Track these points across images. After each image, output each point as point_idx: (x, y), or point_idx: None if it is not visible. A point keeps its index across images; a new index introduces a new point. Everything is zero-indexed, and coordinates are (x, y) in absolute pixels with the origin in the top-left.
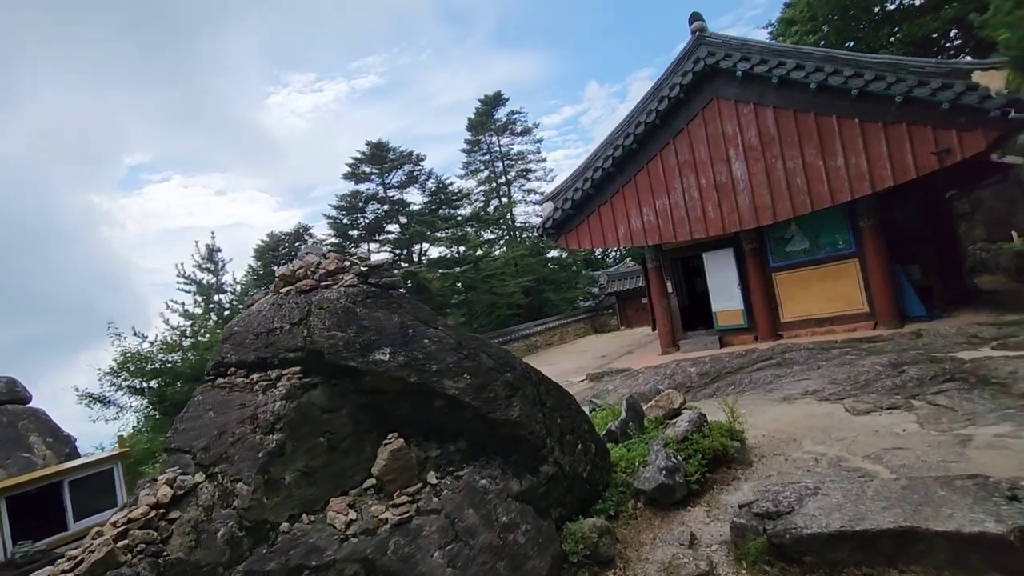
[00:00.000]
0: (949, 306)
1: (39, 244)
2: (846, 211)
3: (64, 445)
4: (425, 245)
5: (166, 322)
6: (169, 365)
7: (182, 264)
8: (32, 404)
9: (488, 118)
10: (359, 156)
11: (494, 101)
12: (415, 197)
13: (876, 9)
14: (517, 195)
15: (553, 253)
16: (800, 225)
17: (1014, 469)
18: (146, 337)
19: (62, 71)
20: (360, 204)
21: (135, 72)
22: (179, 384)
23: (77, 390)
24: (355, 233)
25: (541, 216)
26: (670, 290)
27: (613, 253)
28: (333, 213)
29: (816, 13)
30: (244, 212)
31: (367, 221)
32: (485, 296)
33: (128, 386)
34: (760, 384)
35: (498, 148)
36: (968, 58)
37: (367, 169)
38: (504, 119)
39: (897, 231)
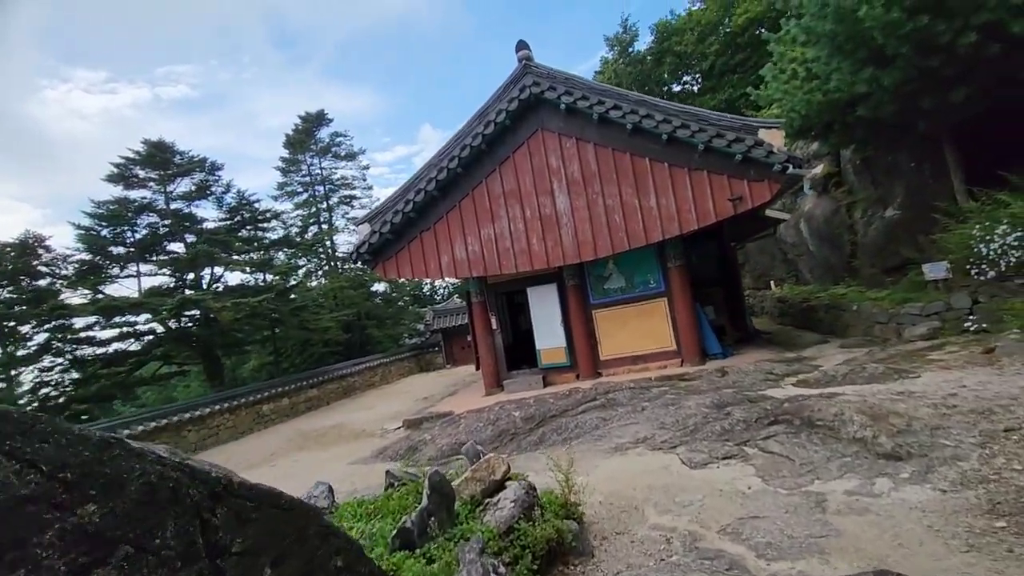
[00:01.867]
0: (737, 344)
1: None
2: (656, 251)
3: None
4: (219, 269)
5: None
6: None
7: None
8: None
9: (309, 137)
10: (132, 156)
11: (316, 120)
12: (210, 212)
13: (665, 88)
14: (339, 222)
15: (379, 287)
16: (617, 263)
17: (891, 544)
18: None
19: None
20: (129, 214)
21: None
22: None
23: None
24: (120, 251)
25: (356, 239)
26: (495, 327)
27: (442, 289)
28: (87, 223)
29: (621, 81)
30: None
31: (139, 236)
32: (296, 332)
33: None
34: (587, 429)
35: (319, 170)
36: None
37: (142, 173)
38: (327, 140)
39: (695, 273)
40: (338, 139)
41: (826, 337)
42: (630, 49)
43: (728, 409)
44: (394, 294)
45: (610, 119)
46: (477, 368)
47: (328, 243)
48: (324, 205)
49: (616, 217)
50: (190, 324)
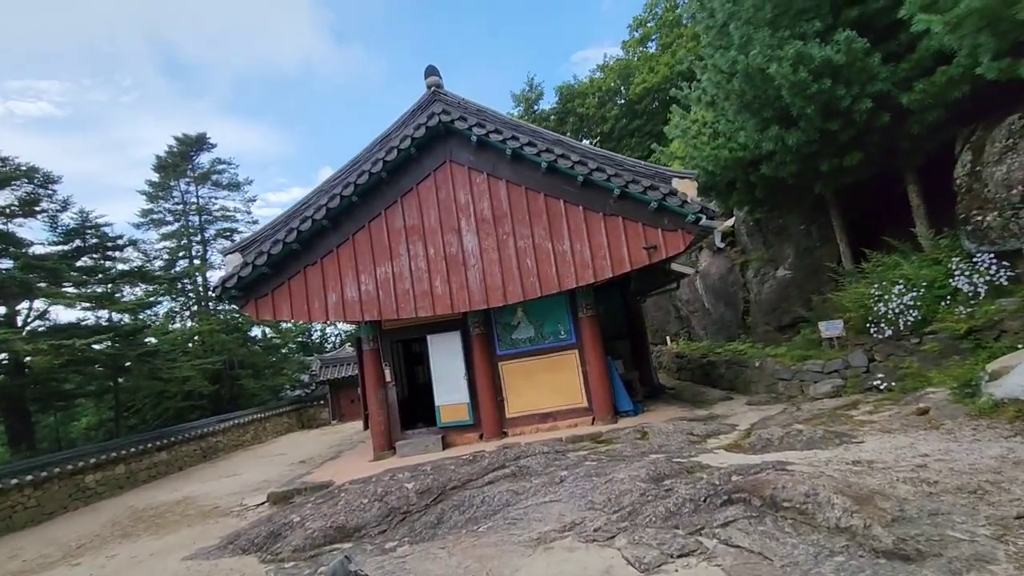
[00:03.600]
0: (645, 400)
1: None
2: (568, 300)
3: None
4: (40, 303)
5: None
6: None
7: None
8: None
9: (185, 161)
10: None
11: (196, 143)
12: (39, 234)
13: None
14: (215, 258)
15: (258, 331)
16: (527, 311)
17: None
18: None
19: None
20: None
21: None
22: None
23: None
24: None
25: (223, 272)
26: (388, 379)
27: (333, 336)
28: None
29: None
30: None
31: None
32: (147, 382)
33: None
34: (497, 507)
35: (195, 199)
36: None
37: None
38: (207, 167)
39: (603, 326)
40: (220, 166)
41: (729, 394)
42: (535, 107)
43: (667, 483)
44: (276, 340)
45: (524, 156)
46: (366, 427)
47: (199, 280)
48: (198, 237)
49: (528, 261)
50: None
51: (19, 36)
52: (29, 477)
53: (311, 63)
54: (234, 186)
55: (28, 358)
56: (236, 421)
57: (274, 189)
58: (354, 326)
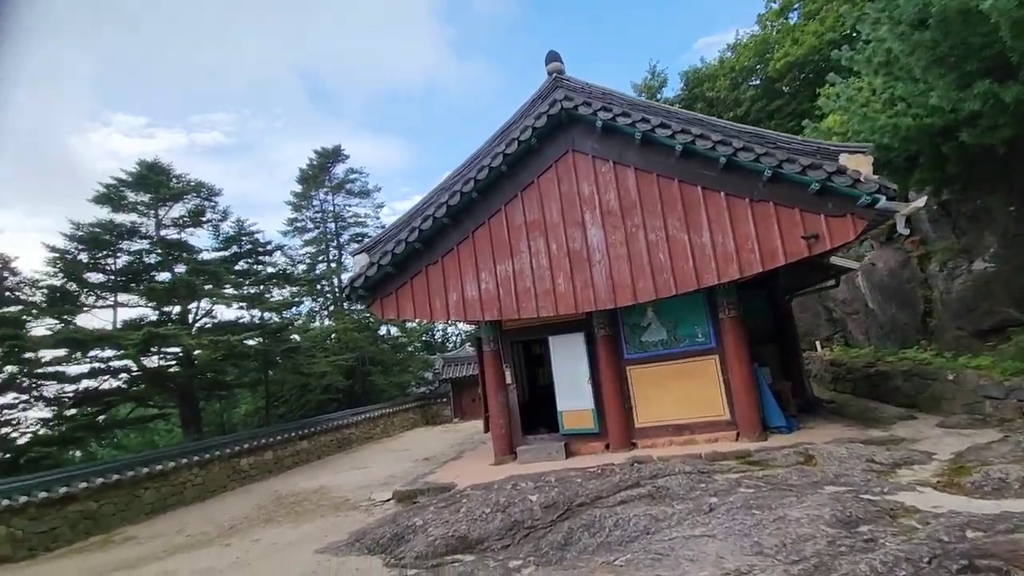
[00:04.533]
0: (799, 416)
1: None
2: (706, 299)
3: None
4: (206, 303)
5: None
6: None
7: None
8: None
9: (323, 172)
10: (123, 178)
11: (332, 155)
12: (205, 241)
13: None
14: (348, 261)
15: (386, 330)
16: (658, 311)
17: None
18: None
19: None
20: (111, 238)
21: None
22: None
23: None
24: (98, 278)
25: (352, 272)
26: (509, 381)
27: (454, 336)
28: (62, 244)
29: None
30: (24, 264)
31: (121, 263)
32: (291, 375)
33: None
34: (634, 535)
35: (332, 207)
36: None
37: (133, 196)
38: (342, 176)
39: (747, 328)
40: (353, 175)
41: (910, 412)
42: (658, 95)
43: (864, 531)
44: (402, 339)
45: (655, 139)
46: (487, 429)
47: (335, 281)
48: (334, 242)
49: (660, 255)
50: (171, 363)
51: (198, 79)
52: (196, 458)
53: (432, 78)
54: (364, 193)
55: (196, 352)
56: (367, 415)
57: (399, 198)
58: (474, 326)
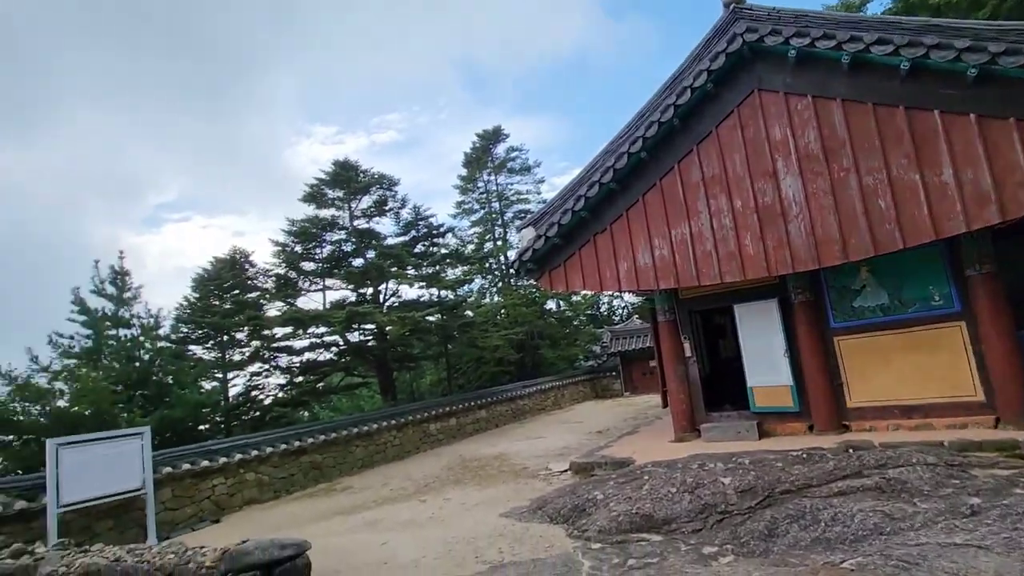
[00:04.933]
0: None
1: (59, 278)
2: (944, 253)
3: None
4: (393, 284)
5: (33, 360)
6: (19, 418)
7: (77, 288)
8: None
9: (486, 154)
10: (323, 178)
11: (493, 136)
12: (388, 228)
13: None
14: (513, 237)
15: (552, 304)
16: (875, 270)
17: None
18: (14, 379)
19: (98, 93)
20: (316, 231)
21: (172, 100)
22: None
23: None
24: (310, 266)
25: (518, 246)
26: (688, 354)
27: (620, 309)
28: (282, 239)
29: None
30: (259, 258)
31: (326, 252)
32: (467, 349)
33: None
34: (862, 533)
35: (495, 186)
36: None
37: (331, 193)
38: (503, 156)
39: (1008, 286)
40: (513, 153)
41: None
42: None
43: None
44: (568, 312)
45: (870, 61)
46: (665, 404)
47: (502, 259)
48: (499, 221)
49: (880, 202)
50: (369, 337)
51: (375, 83)
52: (393, 421)
53: (584, 46)
54: (525, 169)
55: (387, 327)
56: (538, 387)
57: (558, 173)
58: (642, 297)
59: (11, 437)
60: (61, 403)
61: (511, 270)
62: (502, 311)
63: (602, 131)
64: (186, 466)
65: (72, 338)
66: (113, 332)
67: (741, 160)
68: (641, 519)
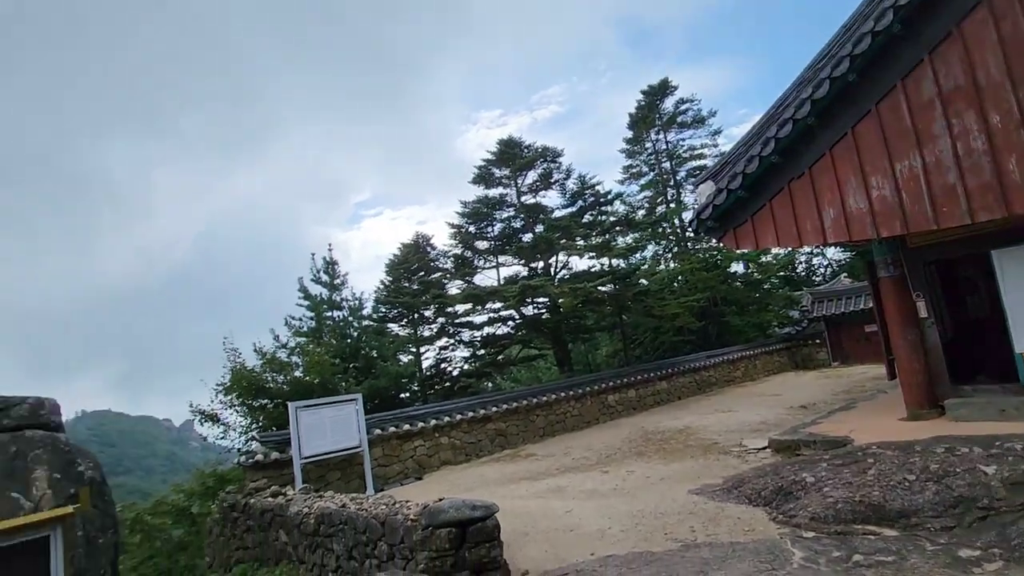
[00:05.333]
0: None
1: (290, 271)
2: None
3: (73, 483)
4: (562, 256)
5: (275, 338)
6: (270, 385)
7: (301, 278)
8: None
9: (652, 111)
10: (489, 158)
11: (659, 91)
12: (555, 200)
13: None
14: (688, 197)
15: (737, 267)
16: None
17: None
18: (264, 354)
19: (305, 111)
20: (486, 210)
21: (361, 109)
22: (277, 404)
23: (191, 406)
24: (483, 245)
25: (695, 204)
26: (923, 314)
27: (821, 268)
28: (456, 221)
29: None
30: (438, 242)
31: (497, 230)
32: (642, 318)
33: (241, 403)
34: None
35: (664, 145)
36: None
37: (498, 172)
38: (671, 110)
39: None
40: (683, 106)
41: None
42: None
43: None
44: (756, 275)
45: None
46: (891, 375)
47: (676, 222)
48: (671, 182)
49: None
50: (542, 310)
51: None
52: (571, 392)
53: None
54: (698, 122)
55: (560, 300)
56: (725, 357)
57: (736, 122)
58: (852, 251)
59: (265, 401)
60: (297, 373)
61: (688, 232)
62: (679, 277)
63: (790, 68)
64: (392, 429)
65: (300, 320)
66: (329, 314)
67: (997, 62)
68: (867, 509)
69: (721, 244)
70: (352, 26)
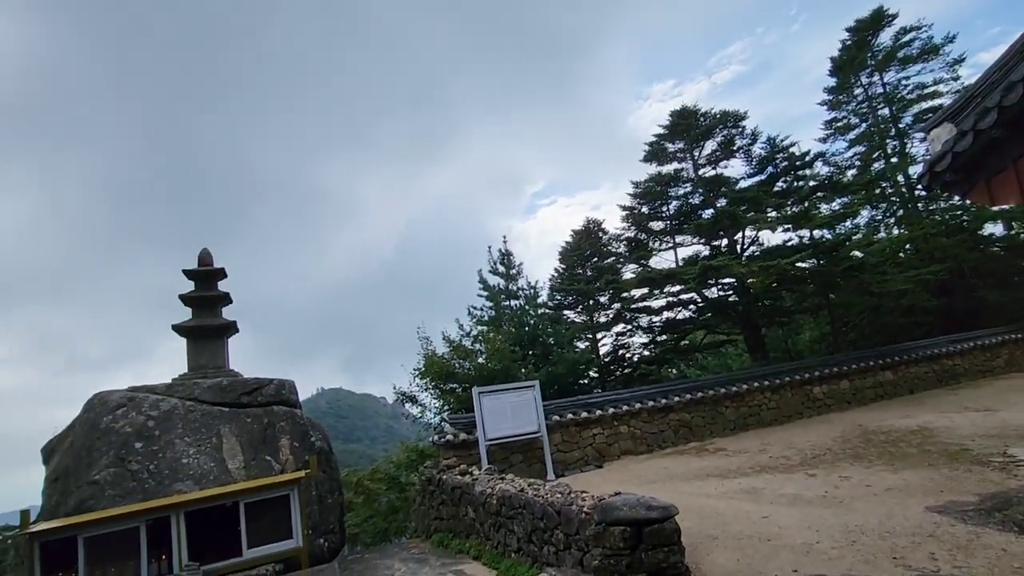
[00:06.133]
0: None
1: (473, 263)
2: None
3: (306, 452)
4: (749, 231)
5: (460, 327)
6: (457, 371)
7: (480, 270)
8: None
9: (862, 50)
10: (661, 132)
11: (872, 24)
12: (738, 169)
13: None
14: (917, 148)
15: (994, 228)
16: None
17: None
18: (451, 342)
19: (483, 109)
20: (660, 188)
21: (532, 100)
22: (464, 388)
23: (395, 388)
24: (658, 225)
25: (928, 154)
26: None
27: None
28: (628, 203)
29: None
30: (609, 225)
31: (673, 208)
32: (855, 297)
33: (434, 387)
34: None
35: (881, 88)
36: None
37: (671, 146)
38: (889, 44)
39: None
40: (907, 36)
41: None
42: None
43: None
44: (1023, 234)
45: None
46: None
47: (900, 179)
48: (891, 132)
49: None
50: (728, 292)
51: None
52: (766, 382)
53: None
54: (928, 53)
55: (749, 280)
56: (979, 342)
57: (984, 46)
58: None
59: (454, 385)
60: (481, 360)
61: (918, 187)
62: (906, 246)
63: None
64: (569, 416)
65: (481, 310)
66: (506, 303)
67: None
68: None
69: (967, 200)
70: (518, 17)
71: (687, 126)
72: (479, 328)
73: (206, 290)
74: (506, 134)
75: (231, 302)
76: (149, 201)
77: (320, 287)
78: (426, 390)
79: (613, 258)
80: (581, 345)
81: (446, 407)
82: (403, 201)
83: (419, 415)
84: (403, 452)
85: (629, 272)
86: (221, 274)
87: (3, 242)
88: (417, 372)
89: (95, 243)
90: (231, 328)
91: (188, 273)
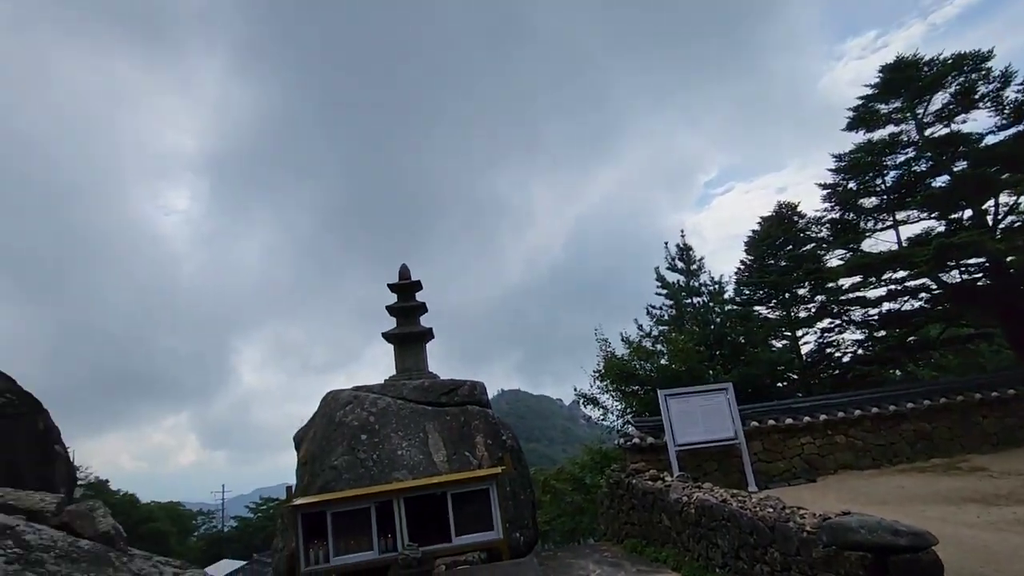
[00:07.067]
0: None
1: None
2: None
3: (499, 449)
4: (1006, 197)
5: (639, 328)
6: (639, 372)
7: (657, 267)
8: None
9: None
10: (869, 93)
11: None
12: (983, 123)
13: None
14: None
15: None
16: None
17: None
18: (631, 343)
19: (647, 102)
20: (871, 159)
21: (699, 80)
22: (647, 390)
23: (575, 390)
24: (872, 201)
25: None
26: None
27: None
28: (830, 180)
29: None
30: (806, 208)
31: (890, 179)
32: None
33: (615, 388)
34: None
35: None
36: None
37: (884, 107)
38: None
39: None
40: None
41: None
42: None
43: None
44: None
45: None
46: None
47: None
48: None
49: None
50: (976, 275)
51: None
52: None
53: None
54: None
55: (1007, 258)
56: None
57: None
58: None
59: (636, 387)
60: (663, 361)
61: None
62: None
63: None
64: (771, 422)
65: (660, 309)
66: (688, 301)
67: None
68: None
69: None
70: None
71: (905, 79)
72: (659, 328)
73: (407, 301)
74: (673, 121)
75: (427, 311)
76: (353, 224)
77: (495, 291)
78: (606, 392)
79: (813, 244)
80: (778, 344)
81: (628, 409)
82: (571, 203)
83: (601, 417)
84: (586, 454)
85: (835, 259)
86: (418, 286)
87: (255, 269)
88: (597, 374)
89: (316, 264)
90: (428, 334)
91: (392, 286)
